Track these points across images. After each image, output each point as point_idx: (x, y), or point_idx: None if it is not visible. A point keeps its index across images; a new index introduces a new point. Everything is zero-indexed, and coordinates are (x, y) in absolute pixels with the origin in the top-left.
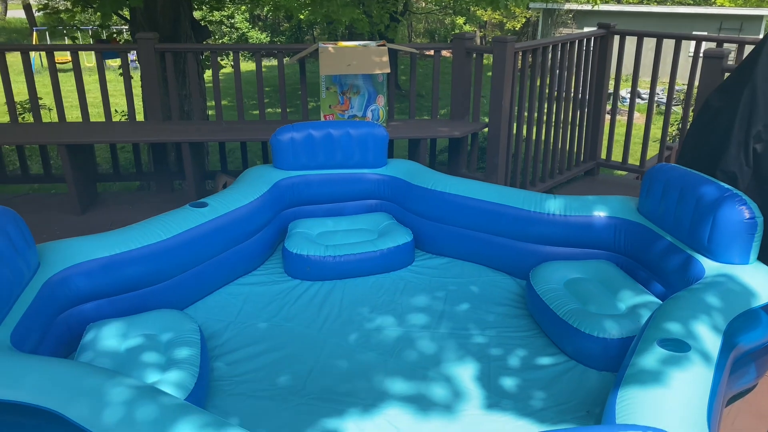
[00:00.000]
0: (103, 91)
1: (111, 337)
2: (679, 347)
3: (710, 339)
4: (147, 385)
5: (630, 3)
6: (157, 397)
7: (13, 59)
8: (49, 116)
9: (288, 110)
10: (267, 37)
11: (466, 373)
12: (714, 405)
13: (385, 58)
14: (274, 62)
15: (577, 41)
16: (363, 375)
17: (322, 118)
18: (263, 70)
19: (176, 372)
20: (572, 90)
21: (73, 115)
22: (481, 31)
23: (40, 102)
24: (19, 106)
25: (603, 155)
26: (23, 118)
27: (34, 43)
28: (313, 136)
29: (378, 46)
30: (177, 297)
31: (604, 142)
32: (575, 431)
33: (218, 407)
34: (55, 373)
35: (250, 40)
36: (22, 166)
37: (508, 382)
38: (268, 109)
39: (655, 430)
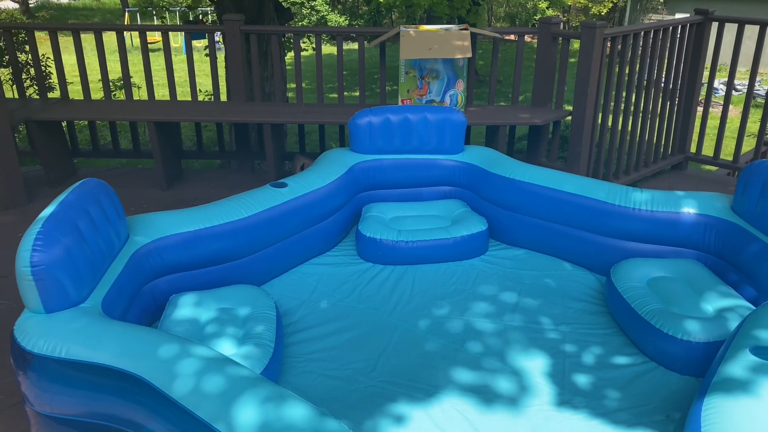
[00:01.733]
0: (190, 70)
1: (192, 309)
2: None
3: None
4: (218, 353)
5: None
6: (226, 366)
7: (107, 38)
8: (138, 94)
9: (365, 94)
10: (346, 20)
11: (537, 367)
12: None
13: (467, 42)
14: (354, 46)
15: (671, 28)
16: (432, 361)
17: (400, 103)
18: (343, 53)
19: (251, 346)
20: (662, 79)
21: (159, 93)
22: (564, 16)
23: (132, 80)
24: (111, 84)
25: (693, 149)
26: (115, 95)
27: (126, 23)
28: (391, 120)
29: (460, 30)
30: (254, 273)
31: (695, 135)
32: None
33: (290, 383)
34: (135, 338)
35: (329, 23)
36: (113, 142)
37: (582, 380)
38: (346, 93)
39: None
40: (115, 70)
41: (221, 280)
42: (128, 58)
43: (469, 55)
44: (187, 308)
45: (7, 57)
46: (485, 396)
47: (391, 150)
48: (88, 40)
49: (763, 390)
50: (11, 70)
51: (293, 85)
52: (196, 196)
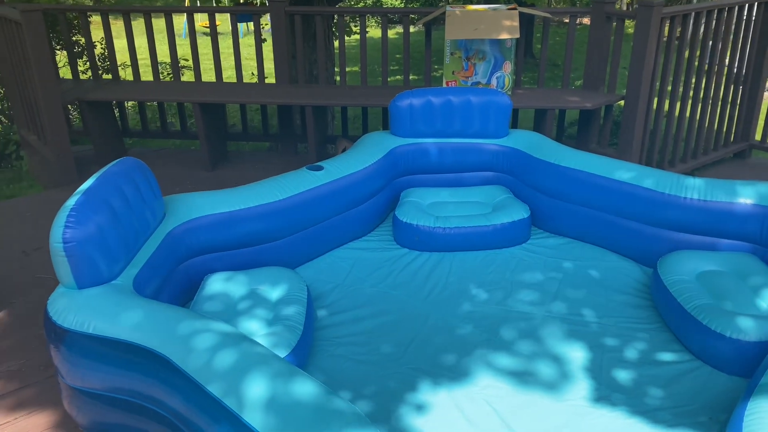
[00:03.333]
0: (236, 52)
1: (225, 289)
2: None
3: None
4: (235, 330)
5: None
6: (240, 343)
7: (158, 23)
8: (186, 77)
9: (412, 77)
10: (401, 2)
11: (574, 359)
12: None
13: (515, 23)
14: (401, 29)
15: (737, 7)
16: (465, 351)
17: (445, 85)
18: (391, 36)
19: (281, 327)
20: (726, 63)
21: (206, 76)
22: None
23: (181, 63)
24: (167, 66)
25: (757, 137)
26: (166, 76)
27: (186, 4)
28: (432, 102)
29: (508, 9)
30: (288, 256)
31: (761, 122)
32: None
33: (318, 367)
34: (157, 315)
35: (384, 5)
36: (161, 123)
37: (622, 375)
38: (396, 77)
39: None
40: (163, 52)
41: (255, 262)
42: (181, 42)
43: (517, 35)
44: (220, 288)
45: (62, 40)
46: (517, 387)
47: (432, 133)
48: (139, 24)
49: None
50: (66, 53)
51: (347, 69)
52: (240, 177)
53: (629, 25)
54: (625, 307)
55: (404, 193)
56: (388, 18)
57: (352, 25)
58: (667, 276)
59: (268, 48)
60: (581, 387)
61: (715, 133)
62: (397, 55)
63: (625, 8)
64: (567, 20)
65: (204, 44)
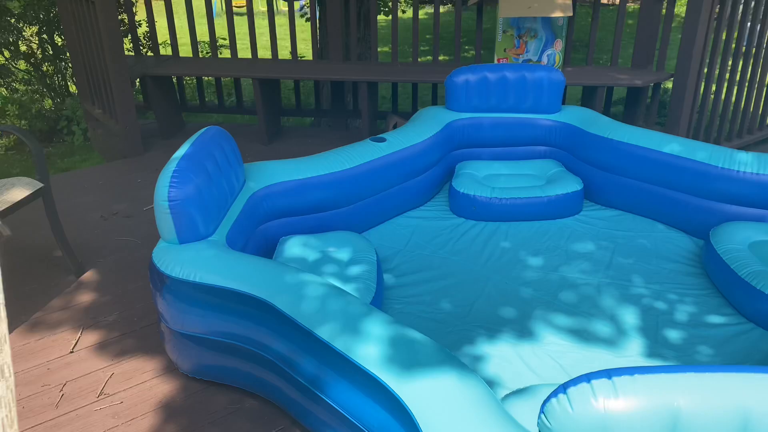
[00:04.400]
0: (291, 29)
1: (300, 250)
2: None
3: None
4: (335, 285)
5: None
6: (343, 295)
7: (197, 2)
8: (223, 56)
9: (441, 58)
10: None
11: (629, 321)
12: None
13: (568, 1)
14: (444, 9)
15: None
16: (524, 310)
17: (496, 62)
18: (422, 16)
19: (356, 285)
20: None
21: (242, 54)
22: None
23: (221, 42)
24: (205, 45)
25: None
26: (202, 55)
27: None
28: (488, 78)
29: None
30: (354, 222)
31: None
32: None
33: None
34: (262, 267)
35: None
36: (218, 98)
37: (674, 335)
38: (427, 57)
39: None
40: (202, 33)
41: (325, 227)
42: (217, 22)
43: (570, 13)
44: (296, 249)
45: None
46: (577, 344)
47: (487, 108)
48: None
49: None
50: (128, 28)
51: (385, 49)
52: (296, 151)
53: (679, 6)
54: (677, 275)
55: (459, 165)
56: None
57: (390, 4)
58: (720, 245)
59: (300, 27)
60: (636, 344)
61: (760, 114)
62: (427, 36)
63: None
64: (612, 1)
65: (239, 23)
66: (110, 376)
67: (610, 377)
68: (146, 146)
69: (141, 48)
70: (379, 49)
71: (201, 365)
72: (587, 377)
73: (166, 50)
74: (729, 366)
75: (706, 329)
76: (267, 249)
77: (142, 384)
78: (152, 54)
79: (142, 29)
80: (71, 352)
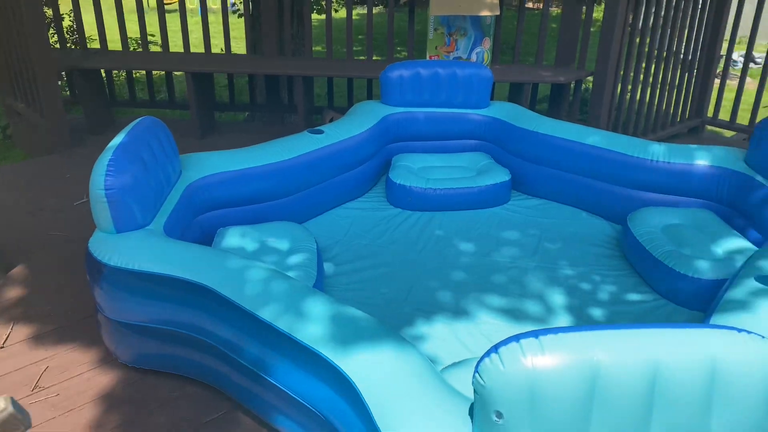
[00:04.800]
0: (224, 24)
1: (238, 240)
2: None
3: None
4: (276, 269)
5: None
6: (283, 278)
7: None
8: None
9: (376, 58)
10: None
11: (556, 300)
12: None
13: (496, 0)
14: (377, 9)
15: None
16: (459, 293)
17: (428, 59)
18: (355, 16)
19: (296, 273)
20: (682, 49)
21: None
22: None
23: (150, 39)
24: (133, 42)
25: (710, 113)
26: (134, 49)
27: None
28: (421, 74)
29: None
30: (293, 213)
31: (712, 101)
32: (664, 326)
33: None
34: (201, 255)
35: None
36: (149, 92)
37: (597, 312)
38: (360, 57)
39: (749, 332)
40: (132, 30)
41: (263, 218)
42: (146, 19)
43: (497, 12)
44: (234, 239)
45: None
46: (510, 322)
47: (420, 103)
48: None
49: (764, 311)
50: (52, 21)
51: (318, 48)
52: (231, 145)
53: (597, 9)
54: (598, 258)
55: (395, 158)
56: None
57: (323, 3)
58: (637, 228)
59: (234, 24)
60: (563, 321)
61: (672, 109)
62: (360, 36)
63: None
64: (534, 5)
65: (168, 21)
66: (45, 370)
67: (537, 336)
68: (74, 141)
69: (66, 42)
70: (312, 48)
71: (140, 354)
72: (516, 337)
73: (92, 45)
74: (640, 324)
75: (625, 306)
76: (204, 240)
77: (80, 376)
78: (79, 47)
79: (66, 23)
80: (1, 347)
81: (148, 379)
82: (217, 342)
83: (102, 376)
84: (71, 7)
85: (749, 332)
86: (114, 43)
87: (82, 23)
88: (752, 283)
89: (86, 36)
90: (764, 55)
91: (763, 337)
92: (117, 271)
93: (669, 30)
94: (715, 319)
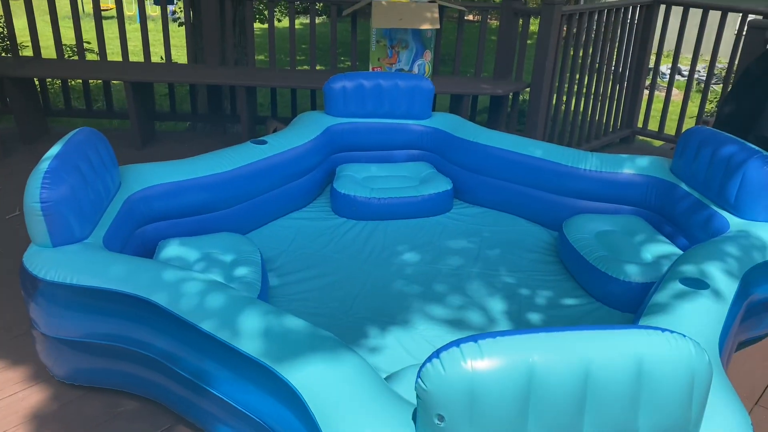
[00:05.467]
0: (165, 33)
1: (180, 253)
2: (697, 285)
3: (727, 281)
4: (216, 280)
5: None
6: (224, 289)
7: (60, 2)
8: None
9: (320, 68)
10: None
11: (496, 306)
12: (726, 340)
13: (436, 14)
14: (319, 20)
15: (623, 8)
16: (403, 302)
17: (370, 70)
18: (298, 26)
19: (240, 284)
20: (613, 62)
21: (111, 58)
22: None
23: (86, 46)
24: (67, 49)
25: (639, 124)
26: (69, 57)
27: None
28: (364, 85)
29: (429, 2)
30: (236, 224)
31: (641, 112)
32: (591, 328)
33: None
34: (140, 267)
35: None
36: (86, 101)
37: (534, 316)
38: (304, 66)
39: (672, 332)
40: (66, 36)
41: (205, 229)
42: (80, 24)
43: (437, 26)
44: (175, 252)
45: None
46: (451, 329)
47: (363, 114)
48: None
49: (687, 312)
50: None
51: (261, 57)
52: (172, 155)
53: (533, 24)
54: (536, 264)
55: (339, 168)
56: (295, 8)
57: (264, 12)
58: (571, 235)
59: (174, 32)
60: (503, 326)
61: (604, 120)
62: (303, 45)
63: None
64: (474, 17)
65: (105, 27)
66: None
67: (476, 341)
68: (5, 152)
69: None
70: (255, 57)
71: (78, 370)
72: (457, 342)
73: (24, 52)
74: (573, 327)
75: (562, 310)
76: (146, 252)
77: (13, 396)
78: (10, 55)
79: None
80: None
81: (85, 396)
82: (157, 355)
83: (36, 394)
84: (1, 12)
85: (672, 332)
86: (48, 49)
87: (13, 29)
88: (677, 286)
89: (18, 42)
90: (689, 67)
91: (685, 336)
92: (53, 285)
93: (601, 43)
94: (644, 321)
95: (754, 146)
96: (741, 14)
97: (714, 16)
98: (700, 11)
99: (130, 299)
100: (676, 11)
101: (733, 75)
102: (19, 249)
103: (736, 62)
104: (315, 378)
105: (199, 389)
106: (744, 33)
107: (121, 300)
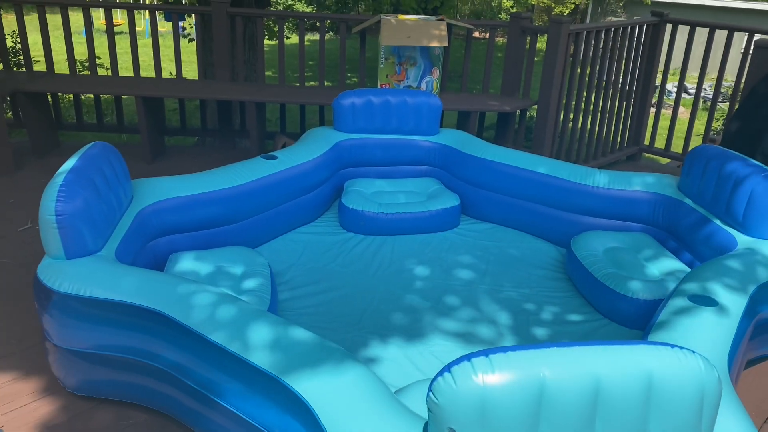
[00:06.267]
0: (176, 48)
1: (191, 266)
2: (706, 302)
3: (735, 299)
4: (227, 292)
5: None
6: (235, 301)
7: (74, 18)
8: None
9: (328, 84)
10: (313, 10)
11: (502, 320)
12: (735, 358)
13: (444, 32)
14: (327, 36)
15: (629, 27)
16: (411, 316)
17: (379, 87)
18: (306, 43)
19: (250, 297)
20: (620, 80)
21: (122, 73)
22: (530, 16)
23: (98, 62)
24: (79, 64)
25: (646, 142)
26: (81, 72)
27: None
28: (372, 102)
29: (437, 20)
30: (246, 238)
31: (648, 129)
32: (599, 343)
33: None
34: (152, 280)
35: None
36: (97, 116)
37: (541, 332)
38: (312, 83)
39: (682, 348)
40: (78, 51)
41: (215, 243)
42: (77, 40)
43: (446, 44)
44: (186, 265)
45: None
46: (460, 344)
47: (372, 130)
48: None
49: (695, 329)
50: None
51: (269, 73)
52: (181, 170)
53: (540, 41)
54: (544, 280)
55: (348, 183)
56: (305, 25)
57: (274, 28)
58: (580, 252)
59: (185, 49)
60: (511, 342)
61: (612, 138)
62: (311, 62)
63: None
64: (481, 34)
65: (117, 43)
66: None
67: (487, 355)
68: (17, 165)
69: (10, 64)
70: (265, 74)
71: (89, 381)
72: (468, 357)
73: (37, 67)
74: (583, 342)
75: (569, 326)
76: (157, 265)
77: (25, 407)
78: (24, 69)
79: (9, 43)
80: None
81: (96, 408)
82: (168, 367)
83: (48, 406)
84: (15, 28)
85: (681, 347)
86: (60, 64)
87: (27, 44)
88: (685, 303)
89: (31, 57)
90: (696, 85)
91: (694, 351)
92: (66, 297)
93: (608, 61)
94: (652, 337)
95: (761, 164)
96: (747, 33)
97: (721, 34)
98: (706, 30)
99: (141, 311)
100: (683, 30)
101: (739, 93)
102: (31, 261)
103: (743, 81)
104: (325, 390)
105: (208, 401)
106: (750, 52)
107: (132, 312)
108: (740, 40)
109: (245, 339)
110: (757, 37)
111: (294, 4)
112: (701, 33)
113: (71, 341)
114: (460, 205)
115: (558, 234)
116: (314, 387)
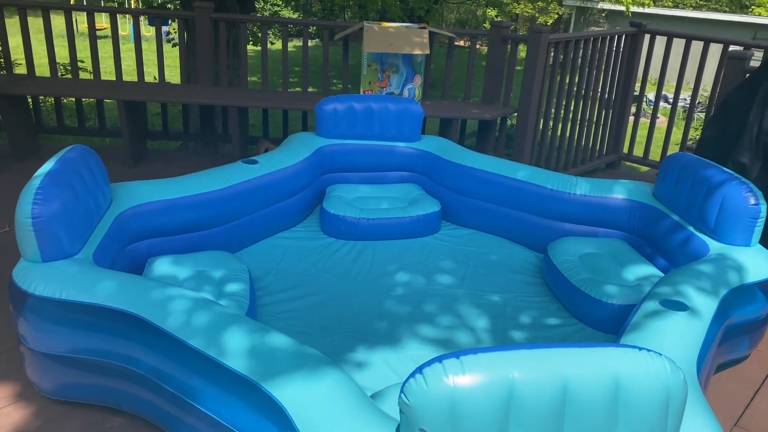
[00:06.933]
0: (159, 53)
1: (170, 270)
2: (677, 306)
3: (706, 303)
4: (205, 297)
5: (664, 6)
6: (213, 305)
7: (55, 22)
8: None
9: (312, 90)
10: (299, 16)
11: (481, 325)
12: (704, 361)
13: (426, 40)
14: (311, 43)
15: (608, 37)
16: (390, 321)
17: (362, 93)
18: (291, 48)
19: (228, 302)
20: (599, 89)
21: (105, 77)
22: (513, 25)
23: (80, 65)
24: (61, 67)
25: (625, 150)
26: (63, 75)
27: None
28: (355, 108)
29: (419, 28)
30: (226, 242)
31: (627, 138)
32: (573, 346)
33: None
34: (130, 283)
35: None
36: (79, 120)
37: (519, 336)
38: (296, 88)
39: (648, 350)
40: (60, 55)
41: (195, 247)
42: (58, 43)
43: (427, 51)
44: (165, 269)
45: None
46: (436, 347)
47: (354, 135)
48: (35, 23)
49: (665, 332)
50: None
51: (253, 78)
52: (163, 174)
53: (520, 52)
54: (522, 285)
55: (329, 188)
56: (288, 31)
57: (259, 34)
58: (556, 257)
59: (168, 53)
60: (487, 346)
61: (591, 146)
62: (296, 68)
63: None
64: (465, 43)
65: (99, 46)
66: None
67: (458, 357)
68: None
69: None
70: (248, 79)
71: (64, 385)
72: (439, 358)
73: (18, 70)
74: (552, 344)
75: (546, 330)
76: (135, 269)
77: None
78: (4, 72)
79: None
80: None
81: (71, 412)
82: (145, 371)
83: (22, 410)
84: None
85: (648, 350)
86: (41, 67)
87: (8, 47)
88: (657, 307)
89: (12, 60)
90: (673, 94)
91: (660, 354)
92: (42, 300)
93: (587, 70)
94: (624, 340)
95: (732, 172)
96: (722, 45)
97: (697, 45)
98: (683, 41)
99: (118, 315)
100: (661, 40)
101: (715, 103)
102: (7, 265)
103: (718, 91)
104: (300, 394)
105: (185, 405)
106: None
107: (109, 316)
108: (717, 51)
109: (223, 343)
110: (731, 48)
111: (280, 10)
112: (679, 43)
113: (46, 345)
114: (440, 211)
115: (537, 240)
116: (289, 390)
